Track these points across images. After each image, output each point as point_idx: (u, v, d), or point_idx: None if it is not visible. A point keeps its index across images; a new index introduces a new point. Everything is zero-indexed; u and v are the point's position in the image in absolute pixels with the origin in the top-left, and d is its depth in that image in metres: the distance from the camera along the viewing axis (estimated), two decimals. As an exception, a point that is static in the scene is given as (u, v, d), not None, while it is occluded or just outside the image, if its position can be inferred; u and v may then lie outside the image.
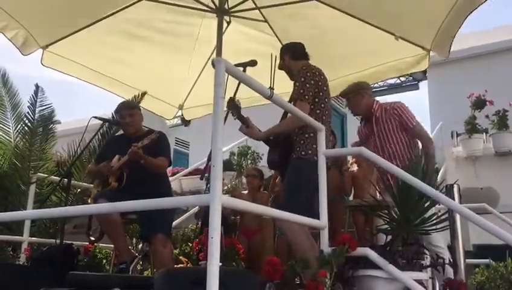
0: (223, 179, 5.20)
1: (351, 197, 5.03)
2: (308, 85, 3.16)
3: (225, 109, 3.22)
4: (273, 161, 3.38)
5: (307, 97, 3.14)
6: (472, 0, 3.27)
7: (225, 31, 4.11)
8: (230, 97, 3.19)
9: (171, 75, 5.18)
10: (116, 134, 5.24)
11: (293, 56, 3.46)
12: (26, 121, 5.82)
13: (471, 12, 3.34)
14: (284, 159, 3.24)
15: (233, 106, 3.28)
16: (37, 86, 5.87)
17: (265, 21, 4.55)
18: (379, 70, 4.63)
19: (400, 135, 3.60)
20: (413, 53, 4.30)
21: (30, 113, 5.82)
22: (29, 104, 5.84)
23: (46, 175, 5.19)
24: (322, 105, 3.25)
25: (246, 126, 3.33)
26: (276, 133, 3.33)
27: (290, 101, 3.31)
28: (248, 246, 4.35)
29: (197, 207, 5.19)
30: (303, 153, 3.11)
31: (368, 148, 3.61)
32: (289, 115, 3.25)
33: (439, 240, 3.30)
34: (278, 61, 3.28)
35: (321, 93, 3.24)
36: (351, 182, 4.99)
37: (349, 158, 5.42)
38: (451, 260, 3.14)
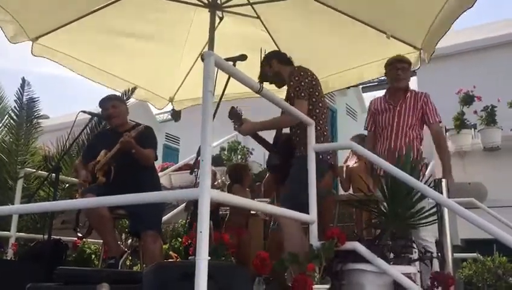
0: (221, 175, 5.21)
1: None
2: (303, 83, 3.20)
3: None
4: (274, 165, 3.47)
5: (303, 95, 3.18)
6: (460, 3, 3.30)
7: (217, 26, 4.09)
8: (232, 106, 3.32)
9: (162, 68, 5.15)
10: (103, 129, 5.20)
11: (280, 61, 3.50)
12: (13, 115, 5.74)
13: (458, 16, 3.37)
14: (284, 163, 3.29)
15: (234, 114, 3.35)
16: (23, 80, 5.78)
17: (258, 17, 4.53)
18: (370, 68, 4.64)
19: (418, 123, 3.69)
20: (404, 52, 4.31)
21: (17, 107, 5.75)
22: (15, 98, 5.77)
23: (33, 170, 5.14)
24: (320, 104, 3.29)
25: (239, 124, 3.36)
26: (267, 127, 3.38)
27: (286, 101, 3.35)
28: (238, 242, 4.33)
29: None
30: None
31: (380, 122, 3.73)
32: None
33: (427, 234, 3.32)
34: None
35: (317, 93, 3.28)
36: (348, 179, 4.99)
37: (348, 153, 5.42)
38: (438, 254, 3.16)
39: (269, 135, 3.63)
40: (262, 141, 3.61)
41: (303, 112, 3.09)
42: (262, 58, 3.40)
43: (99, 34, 4.59)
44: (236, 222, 4.44)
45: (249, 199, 4.52)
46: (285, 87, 3.46)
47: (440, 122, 3.74)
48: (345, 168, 5.10)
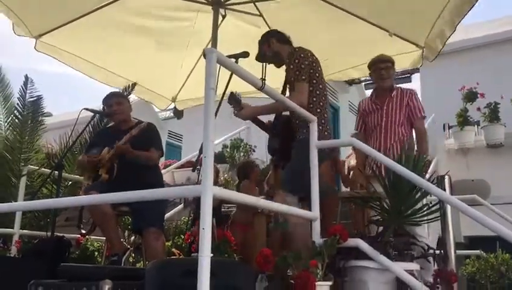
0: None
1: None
2: (303, 66, 3.18)
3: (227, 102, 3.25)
4: (273, 148, 3.46)
5: (304, 77, 3.16)
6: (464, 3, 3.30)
7: (220, 24, 4.09)
8: (231, 92, 3.24)
9: (165, 67, 5.14)
10: (106, 126, 5.21)
11: (279, 40, 3.46)
12: (16, 113, 5.76)
13: (464, 16, 3.37)
14: (284, 146, 3.30)
15: (234, 99, 3.30)
16: (26, 78, 5.80)
17: (260, 15, 4.51)
18: None
19: (406, 120, 3.68)
20: (407, 50, 4.29)
21: (20, 105, 5.76)
22: (19, 96, 5.78)
23: (36, 167, 5.15)
24: (320, 86, 3.27)
25: (239, 109, 3.32)
26: (267, 111, 3.38)
27: (285, 84, 3.33)
28: (243, 239, 4.32)
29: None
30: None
31: (369, 123, 3.72)
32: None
33: (422, 232, 3.30)
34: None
35: (317, 74, 3.26)
36: (349, 175, 4.96)
37: (350, 150, 5.41)
38: (441, 251, 3.16)
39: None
40: (262, 125, 3.59)
41: (304, 95, 3.11)
42: (260, 37, 3.37)
43: (102, 33, 4.58)
44: (243, 219, 4.43)
45: (256, 195, 4.52)
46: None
47: (424, 117, 3.74)
48: (346, 164, 5.09)
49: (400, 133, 3.64)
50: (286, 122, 3.40)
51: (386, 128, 3.66)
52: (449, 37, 3.74)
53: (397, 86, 3.86)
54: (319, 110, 3.18)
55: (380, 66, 3.78)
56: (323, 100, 3.27)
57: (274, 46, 3.44)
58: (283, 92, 3.38)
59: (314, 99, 3.19)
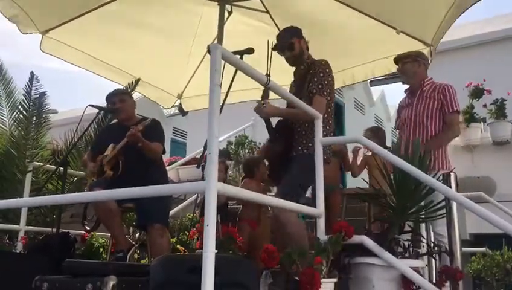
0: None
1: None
2: (326, 82, 3.21)
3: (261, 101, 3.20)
4: (275, 153, 3.42)
5: (325, 93, 3.18)
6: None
7: (226, 20, 4.07)
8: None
9: (171, 64, 5.11)
10: (111, 123, 5.21)
11: (306, 45, 3.46)
12: (22, 109, 5.78)
13: (466, 9, 3.36)
14: (284, 153, 3.28)
15: (267, 93, 3.22)
16: (32, 74, 5.82)
17: (267, 12, 4.48)
18: (380, 64, 4.60)
19: (437, 115, 3.62)
20: (415, 48, 4.26)
21: (25, 102, 5.78)
22: (24, 93, 5.80)
23: (42, 164, 5.17)
24: (332, 104, 3.32)
25: (264, 104, 3.22)
26: (288, 116, 3.33)
27: (300, 90, 3.30)
28: (251, 235, 4.30)
29: (195, 196, 5.19)
30: None
31: (401, 117, 3.75)
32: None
33: (442, 229, 3.27)
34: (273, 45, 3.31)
35: (331, 91, 3.29)
36: (363, 166, 4.89)
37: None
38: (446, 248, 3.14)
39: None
40: (269, 126, 3.45)
41: (321, 109, 3.08)
42: (269, 51, 3.33)
43: (109, 29, 4.57)
44: (250, 215, 4.42)
45: (260, 192, 4.49)
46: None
47: (455, 112, 3.64)
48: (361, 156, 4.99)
49: (428, 127, 3.61)
50: (285, 125, 3.38)
51: (415, 121, 3.65)
52: (445, 32, 3.75)
53: (431, 78, 3.80)
54: (327, 127, 3.21)
55: (397, 70, 3.83)
56: (331, 118, 3.32)
57: (303, 46, 3.42)
58: (297, 95, 3.31)
59: (325, 115, 3.18)
